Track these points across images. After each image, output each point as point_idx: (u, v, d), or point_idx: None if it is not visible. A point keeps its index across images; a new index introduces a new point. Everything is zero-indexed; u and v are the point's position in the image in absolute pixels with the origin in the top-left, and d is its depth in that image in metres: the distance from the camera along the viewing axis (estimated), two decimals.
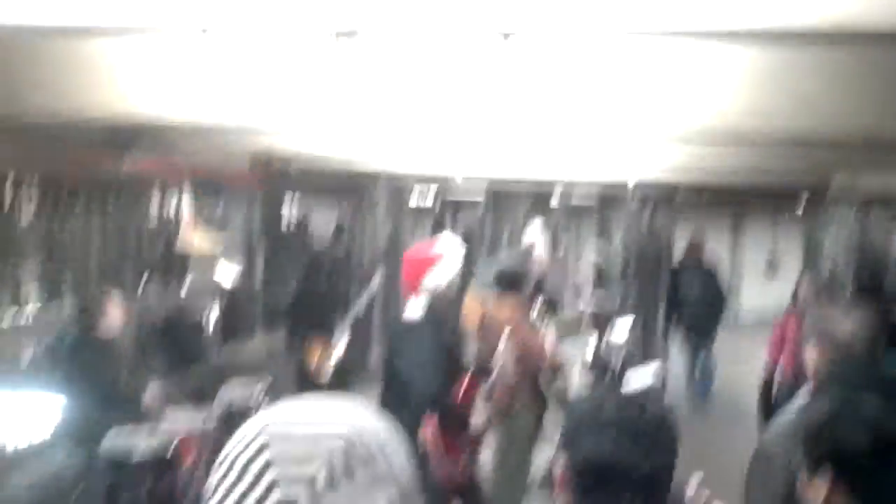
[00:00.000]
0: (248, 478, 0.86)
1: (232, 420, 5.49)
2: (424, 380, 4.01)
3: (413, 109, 4.17)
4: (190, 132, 5.81)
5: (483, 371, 4.44)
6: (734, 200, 12.68)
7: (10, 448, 5.28)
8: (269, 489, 0.84)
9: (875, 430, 1.96)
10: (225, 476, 0.88)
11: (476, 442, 4.38)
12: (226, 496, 0.86)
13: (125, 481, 4.86)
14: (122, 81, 4.14)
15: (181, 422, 5.31)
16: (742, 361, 9.73)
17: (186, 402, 5.82)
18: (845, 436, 1.97)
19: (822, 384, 2.71)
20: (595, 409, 1.70)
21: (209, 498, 0.88)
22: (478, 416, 4.24)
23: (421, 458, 4.04)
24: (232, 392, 5.69)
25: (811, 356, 2.86)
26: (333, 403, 0.95)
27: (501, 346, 4.60)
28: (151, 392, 5.60)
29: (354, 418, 0.91)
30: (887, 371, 2.80)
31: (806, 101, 3.78)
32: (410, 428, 4.04)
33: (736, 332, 12.03)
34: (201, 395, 5.61)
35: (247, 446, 0.88)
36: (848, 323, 2.76)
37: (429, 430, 4.05)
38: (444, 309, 4.29)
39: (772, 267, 17.52)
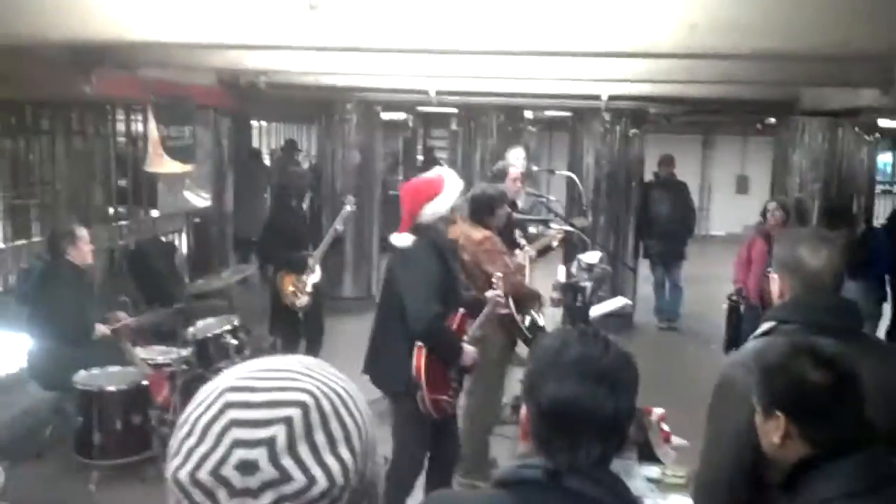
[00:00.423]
0: (210, 439, 0.88)
1: (206, 354, 5.48)
2: (420, 307, 4.08)
3: (383, 24, 4.11)
4: (155, 49, 5.67)
5: (471, 300, 4.53)
6: (705, 116, 12.66)
7: None
8: (229, 450, 0.87)
9: (830, 370, 2.00)
10: (187, 436, 0.90)
11: (465, 370, 4.49)
12: (188, 456, 0.89)
13: (98, 417, 4.86)
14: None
15: (154, 356, 5.27)
16: (712, 279, 9.87)
17: (159, 335, 5.76)
18: (801, 376, 2.02)
19: (782, 312, 2.75)
20: (557, 352, 1.73)
21: (172, 456, 0.90)
22: (468, 344, 4.36)
23: (412, 386, 4.16)
24: (205, 326, 5.63)
25: (774, 283, 2.89)
26: (293, 364, 0.97)
27: (486, 273, 4.69)
28: (123, 325, 5.54)
29: (313, 380, 0.94)
30: (848, 300, 2.85)
31: (775, 14, 3.77)
32: (405, 355, 4.14)
33: (706, 249, 12.16)
34: (174, 329, 5.55)
35: (208, 408, 0.91)
36: (812, 253, 2.78)
37: (421, 358, 4.14)
38: (441, 237, 4.34)
39: (742, 183, 17.65)
